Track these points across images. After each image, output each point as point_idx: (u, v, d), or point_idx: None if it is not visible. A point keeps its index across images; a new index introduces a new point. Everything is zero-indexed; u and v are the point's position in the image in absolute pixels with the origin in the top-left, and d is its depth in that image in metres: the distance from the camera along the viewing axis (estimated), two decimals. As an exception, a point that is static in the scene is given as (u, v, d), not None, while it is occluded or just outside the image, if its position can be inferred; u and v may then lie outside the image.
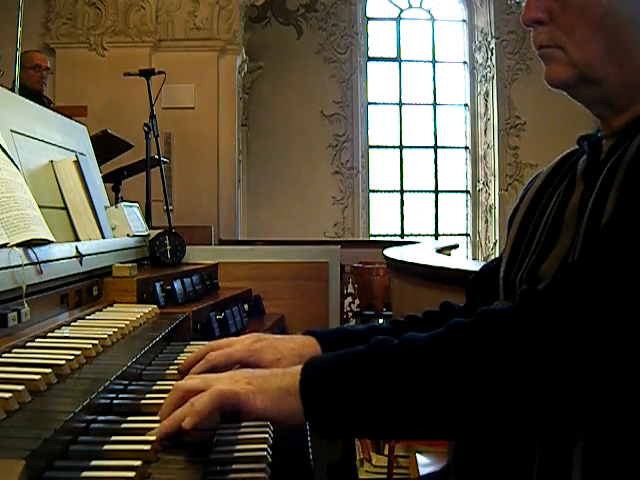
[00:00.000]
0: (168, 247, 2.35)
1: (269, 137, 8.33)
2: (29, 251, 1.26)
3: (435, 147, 9.33)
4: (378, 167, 9.23)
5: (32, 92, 4.26)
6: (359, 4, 8.91)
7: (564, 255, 0.91)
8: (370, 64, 9.15)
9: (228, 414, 0.79)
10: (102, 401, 0.92)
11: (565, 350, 0.72)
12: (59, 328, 1.24)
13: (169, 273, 2.03)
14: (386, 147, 9.28)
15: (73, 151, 1.96)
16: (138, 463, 0.71)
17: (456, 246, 6.28)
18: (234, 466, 0.81)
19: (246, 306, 2.47)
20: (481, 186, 9.24)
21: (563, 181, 1.00)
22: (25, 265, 1.21)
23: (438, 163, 9.32)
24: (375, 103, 9.20)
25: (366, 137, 9.04)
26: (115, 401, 0.96)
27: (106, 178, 3.26)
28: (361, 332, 1.07)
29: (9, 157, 1.36)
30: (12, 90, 2.80)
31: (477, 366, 0.74)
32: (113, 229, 2.07)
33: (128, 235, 2.22)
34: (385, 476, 3.23)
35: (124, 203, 2.33)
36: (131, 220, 2.30)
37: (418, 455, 2.25)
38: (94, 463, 0.72)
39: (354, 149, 8.75)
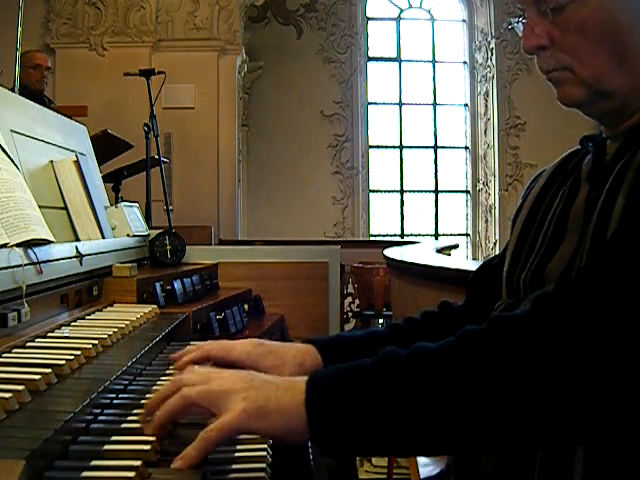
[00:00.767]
0: (168, 247, 2.35)
1: (269, 137, 8.32)
2: (29, 251, 1.26)
3: (435, 147, 9.32)
4: (378, 167, 9.23)
5: (33, 92, 4.26)
6: (359, 4, 8.91)
7: (570, 255, 0.90)
8: (370, 64, 9.15)
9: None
10: (102, 401, 0.92)
11: (581, 359, 0.71)
12: (59, 328, 1.24)
13: (169, 273, 2.03)
14: (386, 147, 9.27)
15: (73, 151, 1.96)
16: (138, 463, 0.71)
17: (456, 246, 6.28)
18: (234, 466, 0.80)
19: (246, 306, 2.47)
20: (481, 186, 9.24)
21: (567, 181, 0.99)
22: (25, 265, 1.21)
23: (438, 163, 9.32)
24: (375, 103, 9.20)
25: (366, 137, 9.04)
26: (115, 401, 0.96)
27: (106, 178, 3.26)
28: (359, 338, 1.04)
29: (9, 157, 1.36)
30: (12, 90, 2.80)
31: (493, 376, 0.72)
32: (113, 229, 2.07)
33: (128, 235, 2.22)
34: (385, 476, 3.23)
35: (124, 203, 2.34)
36: (131, 220, 2.30)
37: (418, 455, 2.25)
38: (94, 463, 0.72)
39: (354, 149, 8.74)
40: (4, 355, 1.00)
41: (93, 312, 1.45)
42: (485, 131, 9.14)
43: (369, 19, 9.17)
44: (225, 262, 2.70)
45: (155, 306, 1.65)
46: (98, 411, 0.89)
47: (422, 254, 4.11)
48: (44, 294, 1.31)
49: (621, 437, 0.76)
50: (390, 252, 4.01)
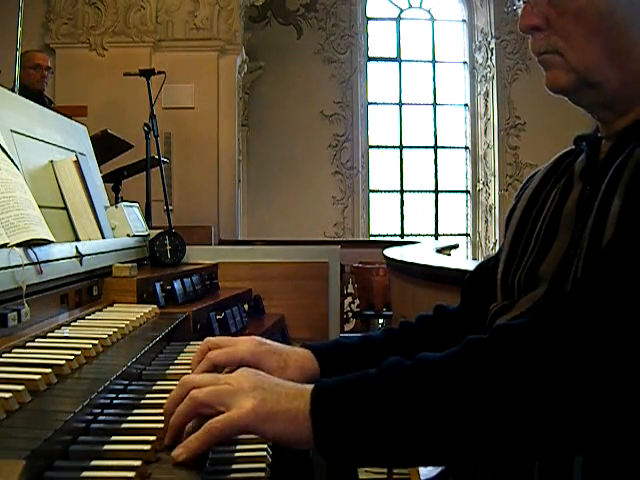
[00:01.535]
0: (168, 247, 2.35)
1: (269, 137, 8.33)
2: (29, 251, 1.26)
3: (435, 147, 9.33)
4: (378, 167, 9.23)
5: (33, 92, 4.26)
6: (359, 4, 8.91)
7: (562, 255, 0.90)
8: (370, 64, 9.15)
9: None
10: (102, 401, 0.92)
11: (584, 367, 0.71)
12: (59, 328, 1.23)
13: (169, 273, 2.03)
14: (386, 147, 9.28)
15: (73, 151, 1.96)
16: (138, 463, 0.71)
17: (456, 246, 6.29)
18: (234, 466, 0.80)
19: (246, 306, 2.47)
20: (481, 186, 9.24)
21: (560, 180, 0.99)
22: (25, 265, 1.21)
23: (438, 163, 9.32)
24: (375, 103, 9.20)
25: (366, 137, 9.05)
26: (115, 401, 0.96)
27: (106, 178, 3.26)
28: (355, 344, 1.05)
29: (9, 157, 1.36)
30: (12, 90, 2.80)
31: (497, 387, 0.71)
32: (113, 229, 2.07)
33: (128, 235, 2.22)
34: (385, 476, 3.23)
35: (124, 203, 2.33)
36: (131, 220, 2.30)
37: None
38: (94, 463, 0.72)
39: (354, 149, 8.75)
40: (4, 355, 1.00)
41: (93, 312, 1.45)
42: (485, 131, 9.14)
43: (369, 19, 9.17)
44: (225, 262, 2.70)
45: (155, 306, 1.65)
46: (98, 411, 0.89)
47: (422, 254, 4.11)
48: (44, 294, 1.31)
49: (621, 443, 0.76)
50: (390, 252, 4.01)
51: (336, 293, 3.06)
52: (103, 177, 2.63)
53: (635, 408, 0.71)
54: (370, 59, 9.16)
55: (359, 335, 1.10)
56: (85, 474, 0.69)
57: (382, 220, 9.21)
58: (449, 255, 5.34)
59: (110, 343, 1.18)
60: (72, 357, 0.99)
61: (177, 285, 1.94)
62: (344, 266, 5.19)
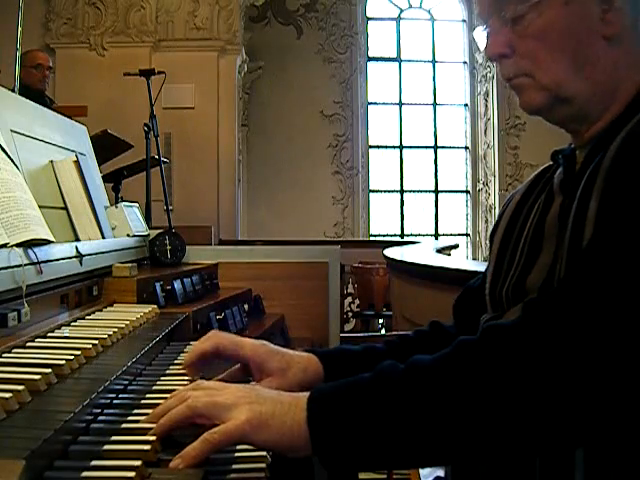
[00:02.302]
0: (168, 247, 2.35)
1: (269, 137, 8.33)
2: (29, 251, 1.26)
3: (435, 147, 9.33)
4: (378, 167, 9.23)
5: (34, 92, 4.25)
6: (359, 4, 8.92)
7: (549, 265, 0.92)
8: (370, 64, 9.16)
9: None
10: (102, 401, 0.92)
11: (572, 363, 0.72)
12: (59, 328, 1.23)
13: (169, 273, 2.03)
14: (386, 147, 9.28)
15: (73, 151, 1.96)
16: (138, 463, 0.71)
17: (456, 246, 6.29)
18: (234, 466, 0.80)
19: (246, 306, 2.46)
20: (481, 186, 9.25)
21: (541, 195, 1.02)
22: (25, 265, 1.21)
23: (438, 163, 9.32)
24: (375, 103, 9.21)
25: (366, 137, 9.05)
26: (115, 401, 0.96)
27: (106, 178, 3.26)
28: (359, 352, 1.07)
29: (9, 157, 1.36)
30: (12, 90, 2.80)
31: (488, 385, 0.73)
32: (113, 229, 2.07)
33: (128, 235, 2.22)
34: (385, 476, 3.23)
35: (124, 203, 2.33)
36: (131, 220, 2.30)
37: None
38: (94, 463, 0.72)
39: (354, 149, 8.75)
40: (4, 355, 0.99)
41: (93, 312, 1.45)
42: (485, 131, 9.15)
43: (369, 19, 9.18)
44: (225, 262, 2.70)
45: (155, 306, 1.64)
46: (98, 411, 0.89)
47: (422, 254, 4.11)
48: (44, 294, 1.30)
49: (619, 438, 0.77)
50: (390, 252, 4.01)
51: (336, 293, 3.05)
52: (103, 177, 2.63)
53: (624, 402, 0.72)
54: (370, 59, 9.17)
55: (362, 345, 1.12)
56: (85, 474, 0.69)
57: (382, 220, 9.22)
58: (449, 255, 5.34)
59: (110, 343, 1.18)
60: (72, 357, 0.99)
61: (177, 285, 1.94)
62: (344, 266, 5.20)
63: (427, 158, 9.34)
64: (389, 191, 9.28)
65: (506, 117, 8.89)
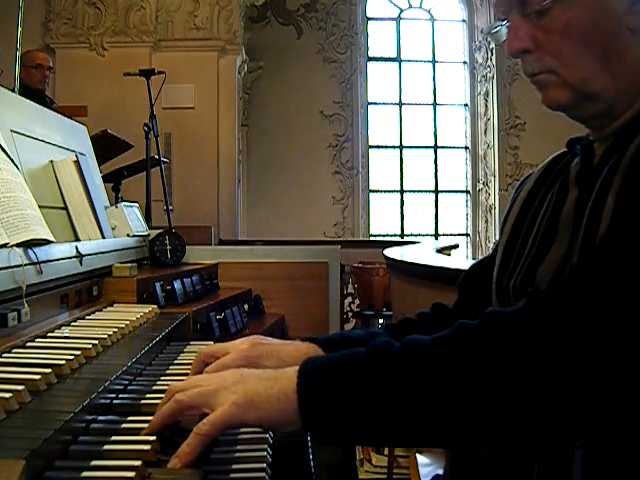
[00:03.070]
0: (168, 247, 2.35)
1: (269, 137, 8.33)
2: (29, 251, 1.26)
3: (435, 147, 9.33)
4: (378, 167, 9.23)
5: (34, 92, 4.26)
6: (359, 4, 8.91)
7: (561, 259, 0.90)
8: (370, 64, 9.15)
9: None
10: (102, 401, 0.92)
11: (574, 354, 0.71)
12: (59, 328, 1.24)
13: (169, 273, 2.03)
14: (386, 147, 9.28)
15: (73, 151, 1.96)
16: (138, 463, 0.71)
17: (456, 246, 6.28)
18: (234, 466, 0.80)
19: (246, 306, 2.47)
20: (481, 186, 9.24)
21: (555, 184, 0.99)
22: (25, 265, 1.21)
23: (438, 163, 9.32)
24: (375, 103, 9.20)
25: (366, 137, 9.04)
26: (115, 401, 0.96)
27: (106, 178, 3.26)
28: (361, 337, 1.04)
29: (9, 157, 1.36)
30: (12, 90, 2.80)
31: (485, 370, 0.72)
32: (113, 229, 2.07)
33: (128, 235, 2.22)
34: (385, 476, 3.23)
35: (124, 203, 2.34)
36: (131, 220, 2.30)
37: (418, 455, 2.25)
38: (94, 463, 0.72)
39: (354, 149, 8.75)
40: (4, 355, 1.00)
41: (93, 312, 1.45)
42: (485, 131, 9.14)
43: (369, 19, 9.17)
44: (225, 262, 2.70)
45: (155, 306, 1.65)
46: (98, 411, 0.89)
47: (422, 254, 4.11)
48: (44, 294, 1.31)
49: (618, 435, 0.76)
50: (390, 252, 4.01)
51: (336, 293, 3.06)
52: (103, 177, 2.63)
53: (624, 397, 0.71)
54: (370, 59, 9.16)
55: (364, 329, 1.10)
56: (85, 474, 0.69)
57: (382, 220, 9.21)
58: (449, 255, 5.34)
59: (110, 343, 1.18)
60: (72, 357, 0.99)
61: (177, 285, 1.94)
62: (344, 266, 5.19)
63: (427, 158, 9.34)
64: (389, 191, 9.28)
65: (506, 117, 8.89)
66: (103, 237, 1.86)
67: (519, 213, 1.03)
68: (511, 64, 8.86)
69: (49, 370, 0.90)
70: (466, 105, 9.32)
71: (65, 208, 1.74)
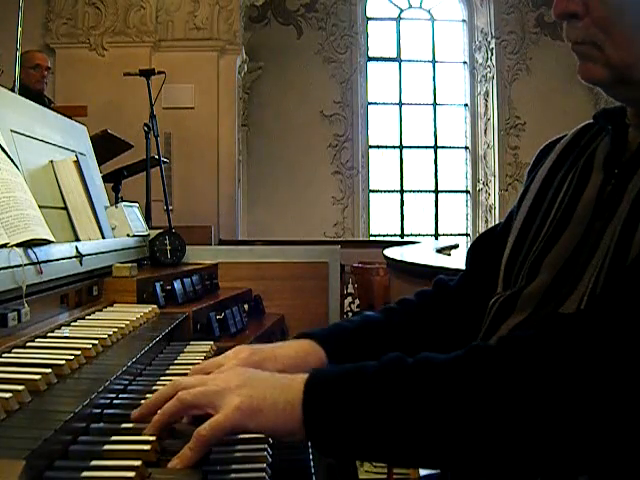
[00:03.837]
0: (168, 247, 2.35)
1: (269, 137, 8.33)
2: (29, 251, 1.26)
3: (435, 147, 9.33)
4: (378, 167, 9.23)
5: (33, 92, 4.26)
6: (359, 4, 8.91)
7: (571, 250, 0.85)
8: (370, 64, 9.15)
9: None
10: (102, 401, 0.92)
11: (589, 384, 0.67)
12: (59, 328, 1.24)
13: (169, 273, 2.03)
14: (386, 147, 9.28)
15: (73, 151, 1.96)
16: (138, 463, 0.71)
17: (456, 246, 6.27)
18: (234, 466, 0.80)
19: (246, 306, 2.47)
20: (481, 186, 9.24)
21: (578, 161, 0.92)
22: (25, 265, 1.21)
23: (438, 163, 9.32)
24: (375, 103, 9.20)
25: (366, 137, 9.04)
26: (115, 401, 0.96)
27: (106, 178, 3.26)
28: (357, 327, 1.02)
29: (9, 157, 1.36)
30: (12, 90, 2.80)
31: (497, 395, 0.69)
32: (113, 229, 2.07)
33: (128, 235, 2.22)
34: (385, 476, 3.23)
35: (124, 203, 2.33)
36: (131, 220, 2.30)
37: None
38: (94, 463, 0.72)
39: (354, 149, 8.75)
40: (4, 355, 1.00)
41: (93, 312, 1.45)
42: (485, 131, 9.14)
43: (369, 19, 9.17)
44: (225, 262, 2.70)
45: (155, 306, 1.65)
46: (98, 411, 0.89)
47: (422, 254, 4.11)
48: (44, 294, 1.31)
49: (624, 464, 0.72)
50: (390, 252, 4.01)
51: (336, 293, 3.06)
52: (103, 177, 2.63)
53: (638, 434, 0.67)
54: (370, 59, 9.16)
55: (358, 317, 1.07)
56: (85, 474, 0.69)
57: (382, 220, 9.21)
58: (449, 255, 5.34)
59: (110, 343, 1.18)
60: (72, 357, 0.99)
61: (177, 285, 1.94)
62: (344, 266, 5.19)
63: (427, 158, 9.34)
64: (389, 191, 9.28)
65: (506, 117, 8.89)
66: (103, 237, 1.86)
67: (538, 192, 0.96)
68: (511, 64, 8.87)
69: (49, 370, 0.90)
70: (466, 105, 9.32)
71: (65, 208, 1.74)
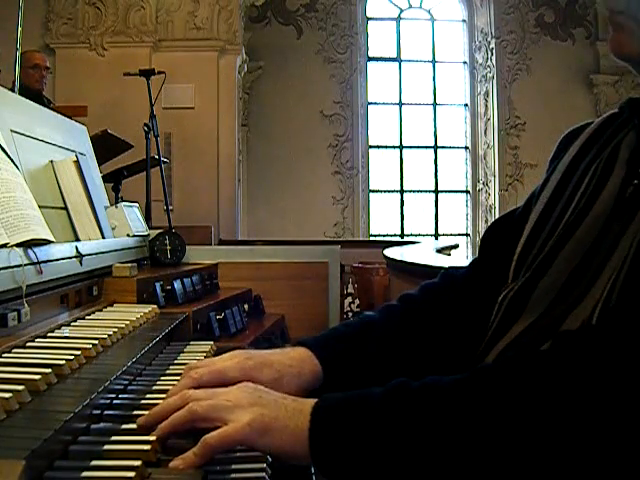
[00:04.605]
0: (168, 247, 2.35)
1: (269, 137, 8.33)
2: (29, 251, 1.26)
3: (435, 147, 9.33)
4: (378, 167, 9.23)
5: (32, 92, 4.26)
6: (359, 4, 8.92)
7: (586, 248, 0.82)
8: (370, 64, 9.15)
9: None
10: (102, 401, 0.92)
11: (601, 406, 0.65)
12: (59, 328, 1.23)
13: (169, 273, 2.03)
14: (386, 147, 9.28)
15: (73, 151, 1.96)
16: (138, 463, 0.71)
17: (456, 246, 6.28)
18: (234, 466, 0.80)
19: (246, 306, 2.47)
20: (481, 186, 9.24)
21: (602, 152, 0.88)
22: (25, 265, 1.21)
23: (438, 163, 9.32)
24: (375, 103, 9.20)
25: (366, 137, 9.05)
26: (115, 401, 0.96)
27: (106, 178, 3.27)
28: (354, 332, 0.99)
29: (9, 157, 1.36)
30: (12, 90, 2.80)
31: (506, 421, 0.67)
32: (113, 229, 2.07)
33: (128, 235, 2.22)
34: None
35: (124, 203, 2.34)
36: (131, 220, 2.30)
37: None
38: (94, 463, 0.72)
39: (354, 149, 8.75)
40: (4, 355, 1.00)
41: (93, 312, 1.45)
42: (485, 131, 9.14)
43: (369, 19, 9.18)
44: (225, 262, 2.70)
45: (155, 306, 1.64)
46: (98, 411, 0.89)
47: (422, 254, 4.11)
48: (44, 294, 1.31)
49: None
50: (390, 252, 4.01)
51: (336, 293, 3.06)
52: (103, 177, 2.63)
53: None
54: (370, 59, 9.16)
55: (356, 320, 1.03)
56: (85, 474, 0.69)
57: (382, 220, 9.21)
58: (449, 255, 5.34)
59: (110, 343, 1.18)
60: (72, 357, 0.99)
61: (177, 285, 1.94)
62: (344, 266, 5.19)
63: (427, 158, 9.34)
64: (389, 191, 9.28)
65: (506, 117, 8.89)
66: (103, 237, 1.86)
67: (561, 178, 0.92)
68: (511, 64, 8.87)
69: (49, 370, 0.90)
70: (466, 105, 9.32)
71: (65, 208, 1.74)
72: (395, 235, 9.15)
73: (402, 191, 9.28)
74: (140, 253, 2.24)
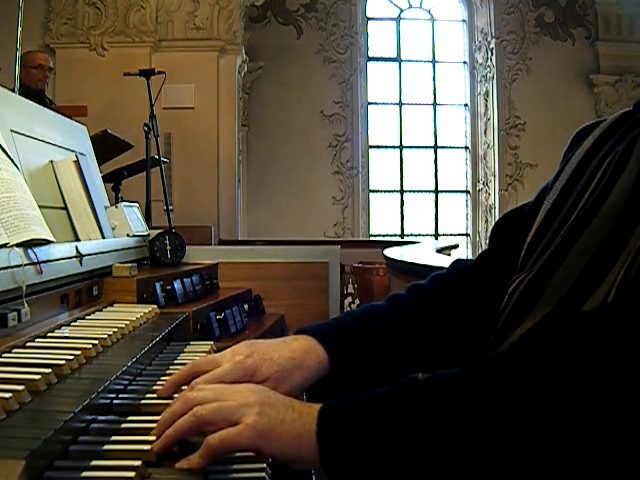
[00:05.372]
0: (168, 247, 2.35)
1: (269, 137, 8.33)
2: (29, 251, 1.26)
3: (435, 147, 9.33)
4: (378, 167, 9.23)
5: (34, 92, 4.26)
6: (359, 4, 8.92)
7: (601, 239, 0.80)
8: (370, 64, 9.16)
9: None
10: (102, 401, 0.92)
11: (613, 394, 0.64)
12: (59, 328, 1.23)
13: (169, 273, 2.03)
14: (386, 147, 9.28)
15: (73, 151, 1.96)
16: (138, 463, 0.71)
17: (456, 246, 6.28)
18: (234, 466, 0.80)
19: (246, 306, 2.47)
20: (481, 186, 9.24)
21: (617, 147, 0.87)
22: (25, 265, 1.21)
23: (438, 163, 9.33)
24: (375, 103, 9.21)
25: (366, 137, 9.05)
26: (115, 401, 0.96)
27: (106, 178, 3.26)
28: (360, 322, 0.98)
29: (9, 157, 1.36)
30: (12, 90, 2.80)
31: (518, 414, 0.66)
32: (113, 229, 2.07)
33: (128, 235, 2.22)
34: None
35: (124, 203, 2.33)
36: (131, 220, 2.30)
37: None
38: (94, 463, 0.72)
39: (354, 149, 8.75)
40: (4, 355, 0.99)
41: (93, 312, 1.45)
42: (485, 131, 9.14)
43: (369, 19, 9.18)
44: (225, 262, 2.70)
45: (155, 306, 1.64)
46: (98, 411, 0.89)
47: (422, 254, 4.11)
48: (44, 294, 1.31)
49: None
50: (390, 252, 4.01)
51: (336, 293, 3.06)
52: (103, 177, 2.63)
53: None
54: (370, 59, 9.16)
55: (361, 309, 1.02)
56: (85, 474, 0.69)
57: (382, 220, 9.22)
58: (449, 255, 5.34)
59: (110, 343, 1.18)
60: (72, 357, 0.99)
61: (177, 285, 1.94)
62: (344, 266, 5.19)
63: (427, 158, 9.34)
64: (389, 191, 9.28)
65: (506, 117, 8.89)
66: (103, 237, 1.86)
67: (574, 171, 0.91)
68: (511, 64, 8.87)
69: (49, 370, 0.90)
70: (466, 105, 9.32)
71: (65, 208, 1.74)
72: (395, 235, 9.15)
73: (402, 191, 9.28)
74: (140, 253, 2.24)
